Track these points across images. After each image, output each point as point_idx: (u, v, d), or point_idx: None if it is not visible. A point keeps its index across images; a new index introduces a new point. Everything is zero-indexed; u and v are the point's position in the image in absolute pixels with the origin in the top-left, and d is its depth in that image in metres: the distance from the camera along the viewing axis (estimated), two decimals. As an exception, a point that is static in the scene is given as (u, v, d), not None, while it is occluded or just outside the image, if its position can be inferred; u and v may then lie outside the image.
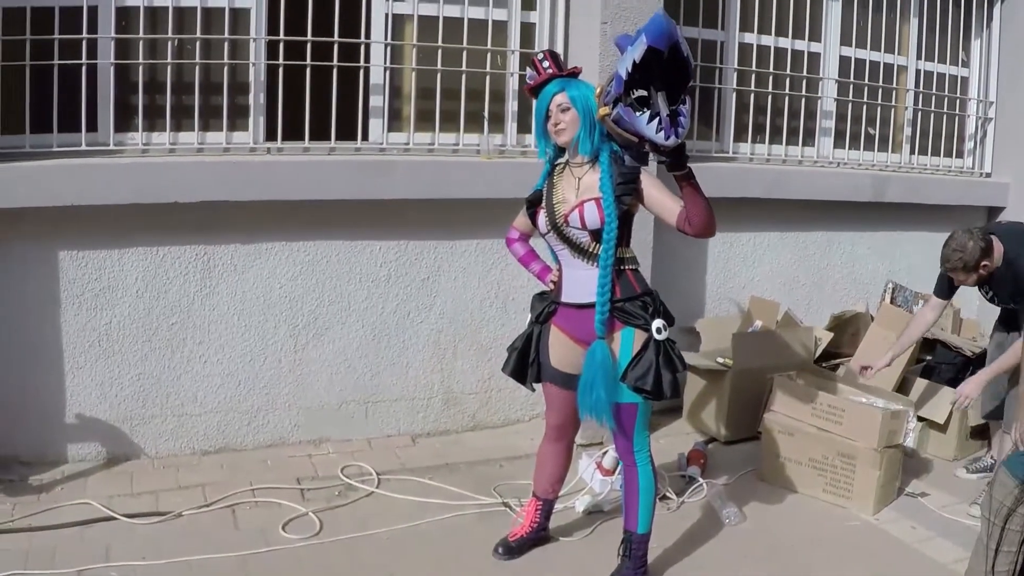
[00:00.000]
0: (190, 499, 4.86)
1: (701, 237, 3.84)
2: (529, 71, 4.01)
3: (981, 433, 5.97)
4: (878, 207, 7.40)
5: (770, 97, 6.96)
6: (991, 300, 5.40)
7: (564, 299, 4.02)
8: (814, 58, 7.20)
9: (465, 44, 5.81)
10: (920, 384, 6.08)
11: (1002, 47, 8.06)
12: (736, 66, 6.82)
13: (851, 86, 7.36)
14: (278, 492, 4.99)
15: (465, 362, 6.01)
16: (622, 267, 3.91)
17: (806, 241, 7.26)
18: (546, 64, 3.95)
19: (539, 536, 4.53)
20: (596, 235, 3.84)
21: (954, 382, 5.74)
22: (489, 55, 5.93)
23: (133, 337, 5.26)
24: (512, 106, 6.05)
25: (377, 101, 5.72)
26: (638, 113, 3.45)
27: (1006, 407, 5.22)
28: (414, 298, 5.82)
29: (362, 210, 5.55)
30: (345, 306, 5.67)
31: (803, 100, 7.21)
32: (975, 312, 7.34)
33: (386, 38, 5.68)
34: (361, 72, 5.63)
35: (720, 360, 6.12)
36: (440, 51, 5.77)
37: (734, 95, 6.87)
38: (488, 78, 5.91)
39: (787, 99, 7.11)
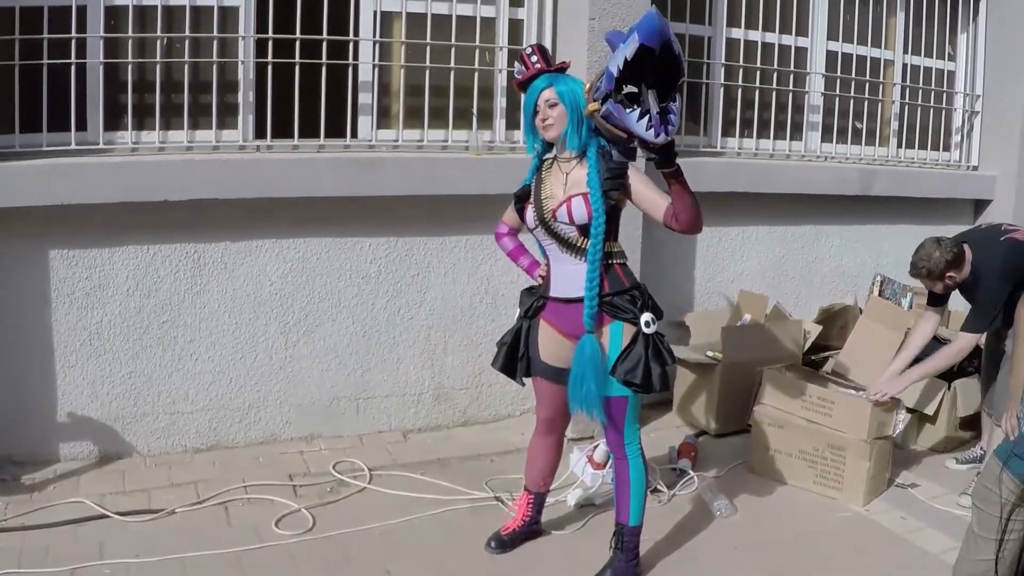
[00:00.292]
0: (183, 496, 4.86)
1: (688, 233, 3.86)
2: (517, 65, 4.02)
3: (971, 424, 6.00)
4: (865, 201, 7.43)
5: (757, 92, 7.00)
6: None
7: (553, 294, 4.03)
8: (801, 53, 7.23)
9: (453, 41, 5.82)
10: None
11: (988, 41, 8.09)
12: (724, 61, 6.84)
13: (838, 80, 7.39)
14: (270, 489, 4.99)
15: (455, 358, 6.03)
16: (610, 261, 3.92)
17: (794, 235, 7.29)
18: (534, 59, 3.95)
19: (531, 530, 4.55)
20: (584, 230, 3.86)
21: (944, 374, 5.73)
22: (477, 52, 5.94)
23: (124, 335, 5.26)
24: (501, 102, 6.07)
25: (366, 98, 5.73)
26: (628, 110, 3.45)
27: (996, 398, 5.24)
28: (404, 294, 5.83)
29: (352, 207, 5.56)
30: (335, 303, 5.68)
31: (790, 95, 7.23)
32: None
33: (374, 35, 5.68)
34: (350, 69, 5.64)
35: (710, 354, 6.14)
36: (428, 48, 5.78)
37: (722, 90, 6.89)
38: (476, 75, 5.93)
39: (774, 94, 7.14)
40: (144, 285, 5.25)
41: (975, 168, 8.23)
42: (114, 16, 5.15)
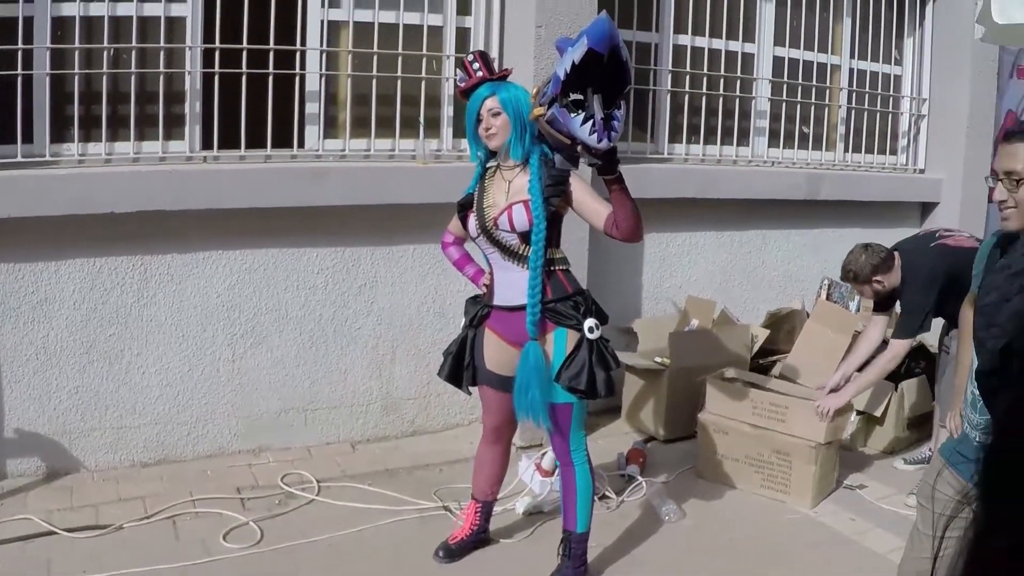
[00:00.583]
0: (130, 511, 4.82)
1: (628, 241, 3.89)
2: (459, 73, 4.05)
3: (918, 425, 6.06)
4: (813, 205, 7.48)
5: (704, 98, 7.03)
6: None
7: (496, 302, 4.05)
8: (748, 59, 7.28)
9: (400, 50, 5.83)
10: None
11: (934, 45, 8.17)
12: (670, 68, 6.88)
13: (785, 86, 7.45)
14: (218, 502, 4.97)
15: (403, 368, 6.02)
16: (552, 268, 3.94)
17: (741, 240, 7.33)
18: (476, 66, 3.97)
19: (479, 538, 4.55)
20: (525, 237, 3.88)
21: (891, 375, 5.75)
22: (424, 60, 5.95)
23: (71, 350, 5.21)
24: (448, 111, 6.08)
25: (313, 108, 5.72)
26: (573, 115, 3.47)
27: (941, 398, 5.30)
28: (351, 305, 5.82)
29: (299, 217, 5.54)
30: (283, 314, 5.66)
31: (737, 100, 7.29)
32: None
33: (322, 45, 5.67)
34: (297, 79, 5.63)
35: (657, 360, 6.17)
36: (376, 57, 5.78)
37: (669, 96, 6.92)
38: (423, 83, 5.93)
39: (721, 100, 7.18)
40: (91, 298, 5.21)
41: (922, 171, 8.32)
42: (61, 27, 5.10)
